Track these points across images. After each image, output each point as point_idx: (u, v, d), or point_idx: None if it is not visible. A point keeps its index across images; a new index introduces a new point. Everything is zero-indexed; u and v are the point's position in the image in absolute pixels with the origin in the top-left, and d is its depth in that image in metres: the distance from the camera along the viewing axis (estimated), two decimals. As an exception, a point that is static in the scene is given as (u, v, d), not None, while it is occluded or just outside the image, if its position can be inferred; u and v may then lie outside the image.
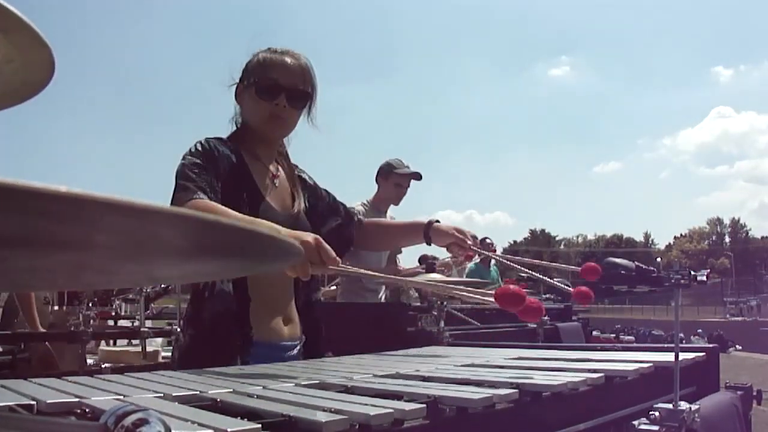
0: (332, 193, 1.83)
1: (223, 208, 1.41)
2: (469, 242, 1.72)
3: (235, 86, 1.65)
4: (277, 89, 1.57)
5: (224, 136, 1.64)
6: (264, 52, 1.63)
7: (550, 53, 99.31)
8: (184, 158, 1.50)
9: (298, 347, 1.63)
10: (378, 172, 3.52)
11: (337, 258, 1.34)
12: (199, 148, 1.52)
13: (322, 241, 1.33)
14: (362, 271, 1.60)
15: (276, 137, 1.68)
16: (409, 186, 3.51)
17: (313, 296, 1.71)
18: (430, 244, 1.75)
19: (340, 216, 1.79)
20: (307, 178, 1.79)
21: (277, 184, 1.65)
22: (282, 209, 1.61)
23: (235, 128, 1.68)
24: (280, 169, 1.69)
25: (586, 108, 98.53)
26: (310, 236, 1.33)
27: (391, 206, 3.57)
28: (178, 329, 3.25)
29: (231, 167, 1.53)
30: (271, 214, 1.54)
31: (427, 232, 1.73)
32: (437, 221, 1.75)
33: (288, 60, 1.60)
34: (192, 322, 1.57)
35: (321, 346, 1.68)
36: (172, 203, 1.41)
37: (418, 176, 3.50)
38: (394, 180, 3.46)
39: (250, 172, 1.59)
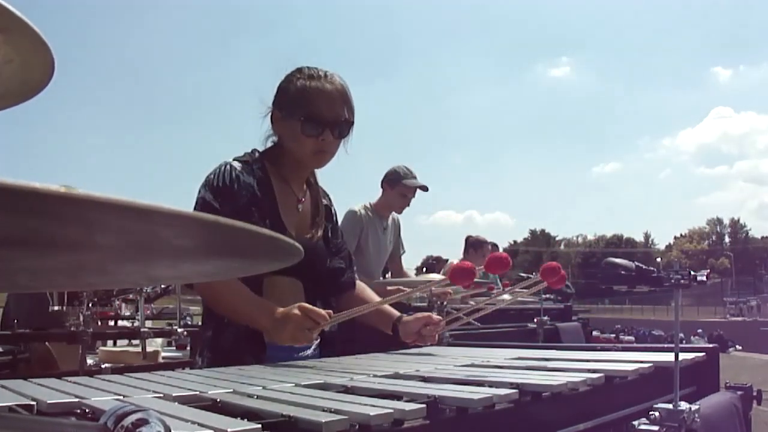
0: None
1: (229, 294, 1.50)
2: (436, 318, 1.74)
3: (270, 113, 1.64)
4: (322, 125, 1.56)
5: (252, 154, 1.65)
6: (301, 78, 1.59)
7: (550, 54, 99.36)
8: (204, 188, 1.55)
9: (313, 349, 1.64)
10: (384, 177, 3.47)
11: (327, 313, 1.45)
12: (219, 185, 1.54)
13: (306, 306, 1.45)
14: (354, 311, 1.57)
15: (318, 168, 1.71)
16: (414, 196, 3.48)
17: (328, 300, 1.70)
18: (395, 335, 1.75)
19: (345, 261, 1.80)
20: (333, 212, 1.82)
21: (300, 209, 1.67)
22: (299, 235, 1.62)
23: (267, 143, 1.69)
24: (307, 193, 1.71)
25: (586, 108, 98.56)
26: (296, 308, 1.44)
27: (393, 212, 3.55)
28: (179, 328, 3.26)
29: (252, 198, 1.56)
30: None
31: (396, 325, 1.73)
32: (408, 314, 1.78)
33: (328, 88, 1.58)
34: (211, 347, 1.59)
35: (336, 346, 1.69)
36: None
37: (424, 188, 3.47)
38: (400, 190, 3.42)
39: (275, 198, 1.61)
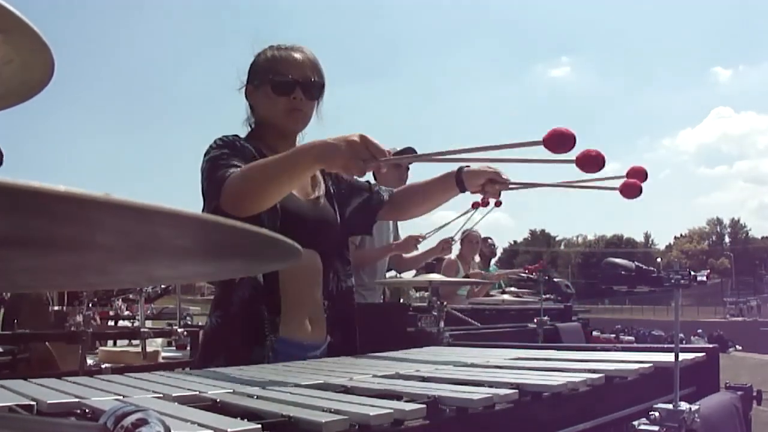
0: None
1: (259, 160, 1.44)
2: (504, 176, 1.62)
3: (245, 88, 1.67)
4: (292, 84, 1.60)
5: (238, 135, 1.65)
6: (270, 50, 1.65)
7: (550, 54, 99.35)
8: (207, 153, 1.53)
9: (322, 349, 1.61)
10: None
11: (388, 151, 1.30)
12: (220, 143, 1.55)
13: (368, 137, 1.29)
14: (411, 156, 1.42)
15: (296, 130, 1.68)
16: (408, 165, 3.35)
17: (346, 258, 1.71)
18: (464, 191, 1.65)
19: (365, 191, 1.80)
20: None
21: None
22: (304, 197, 1.63)
23: (249, 129, 1.70)
24: None
25: (586, 108, 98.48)
26: (356, 135, 1.28)
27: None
28: (179, 328, 3.27)
29: (253, 159, 1.54)
30: (294, 202, 1.56)
31: (459, 177, 1.64)
32: (467, 166, 1.66)
33: (296, 54, 1.63)
34: (221, 305, 1.56)
35: (352, 348, 1.65)
36: (210, 190, 1.45)
37: (411, 150, 3.29)
38: (391, 163, 3.38)
39: None
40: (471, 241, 5.11)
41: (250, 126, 1.70)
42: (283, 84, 1.60)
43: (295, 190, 1.59)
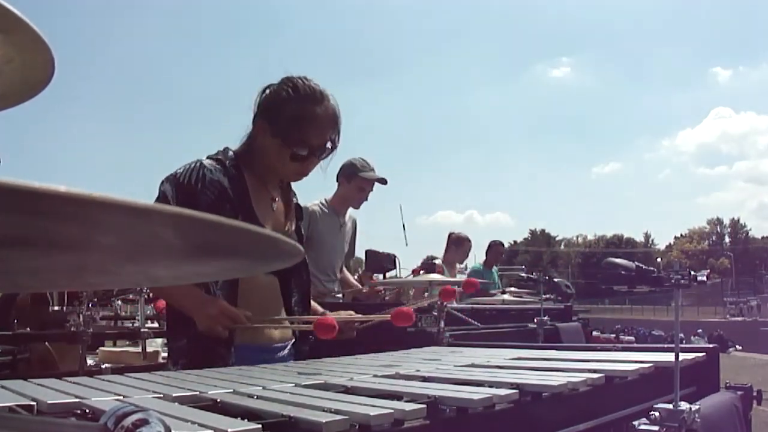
0: None
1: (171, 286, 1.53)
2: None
3: (256, 118, 1.63)
4: (310, 152, 1.61)
5: (231, 146, 1.67)
6: (295, 100, 1.58)
7: (550, 54, 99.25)
8: (168, 181, 1.55)
9: (288, 348, 1.70)
10: (340, 171, 3.27)
11: (242, 314, 1.49)
12: (183, 182, 1.54)
13: (226, 309, 1.49)
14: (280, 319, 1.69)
15: (292, 182, 1.75)
16: (372, 190, 3.28)
17: (306, 290, 1.77)
18: None
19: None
20: (300, 208, 1.86)
21: (275, 208, 1.71)
22: (276, 230, 1.64)
23: (246, 146, 1.67)
24: (280, 192, 1.75)
25: (587, 108, 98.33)
26: (214, 309, 1.47)
27: (350, 209, 3.36)
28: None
29: (221, 195, 1.55)
30: None
31: None
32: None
33: (321, 115, 1.59)
34: (179, 353, 1.59)
35: (310, 343, 1.74)
36: None
37: (383, 181, 3.28)
38: (357, 183, 3.22)
39: (249, 195, 1.62)
40: (458, 245, 5.09)
41: (248, 145, 1.67)
42: (298, 150, 1.59)
43: (269, 223, 1.65)
